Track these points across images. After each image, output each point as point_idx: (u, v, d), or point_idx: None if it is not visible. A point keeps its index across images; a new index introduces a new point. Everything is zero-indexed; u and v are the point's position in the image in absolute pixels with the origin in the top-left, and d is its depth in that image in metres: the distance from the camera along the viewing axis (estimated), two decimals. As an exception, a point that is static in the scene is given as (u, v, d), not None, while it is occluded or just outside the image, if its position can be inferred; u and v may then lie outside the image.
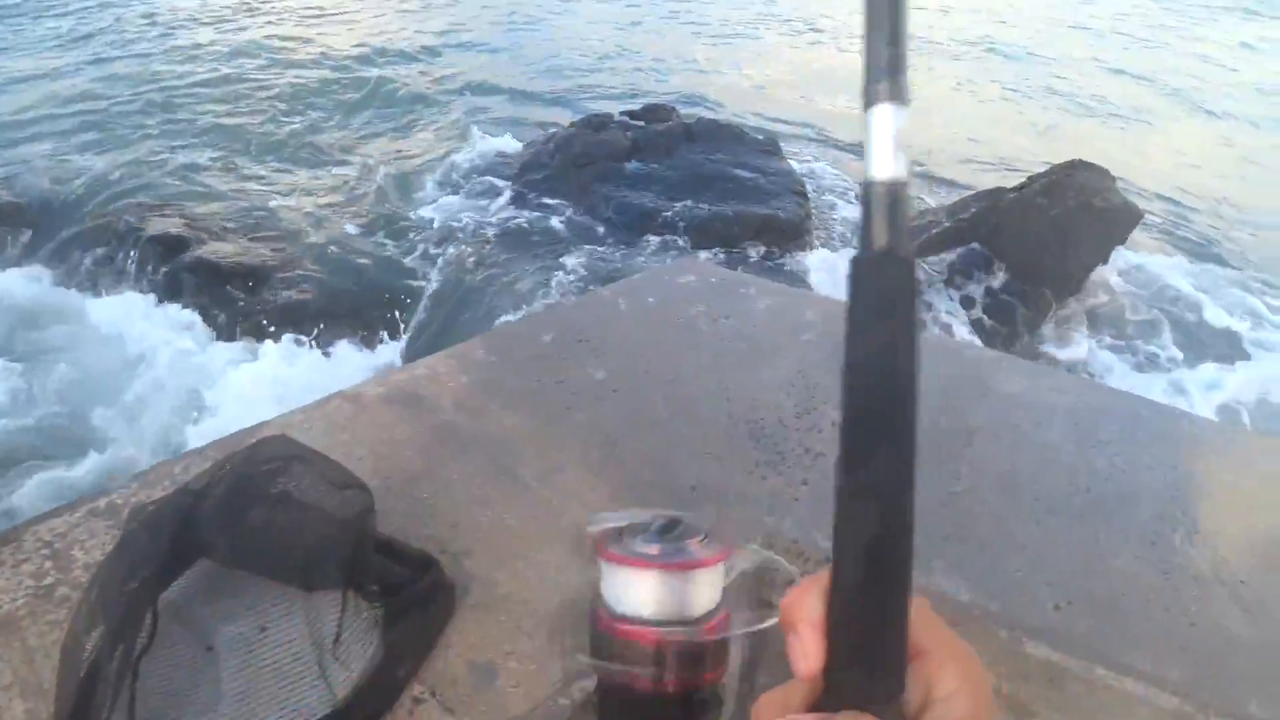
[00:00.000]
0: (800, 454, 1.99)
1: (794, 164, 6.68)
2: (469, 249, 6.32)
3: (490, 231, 6.60)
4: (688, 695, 0.69)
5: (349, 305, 5.61)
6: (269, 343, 5.22)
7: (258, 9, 15.54)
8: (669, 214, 5.86)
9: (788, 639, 0.51)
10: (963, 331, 5.50)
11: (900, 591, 0.47)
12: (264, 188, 8.13)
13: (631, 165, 6.46)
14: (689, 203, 5.93)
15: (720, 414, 2.06)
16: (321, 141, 9.42)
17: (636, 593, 0.70)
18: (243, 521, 1.49)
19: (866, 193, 0.45)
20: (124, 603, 1.27)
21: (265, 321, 5.28)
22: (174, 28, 14.46)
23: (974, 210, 6.21)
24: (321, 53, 12.90)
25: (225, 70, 12.10)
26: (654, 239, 5.78)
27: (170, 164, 8.69)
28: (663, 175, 6.32)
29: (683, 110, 7.89)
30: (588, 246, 5.90)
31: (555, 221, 6.21)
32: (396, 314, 5.60)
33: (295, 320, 5.33)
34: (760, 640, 0.74)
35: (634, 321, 2.38)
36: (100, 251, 6.00)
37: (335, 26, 14.42)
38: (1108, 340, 6.19)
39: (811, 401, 2.14)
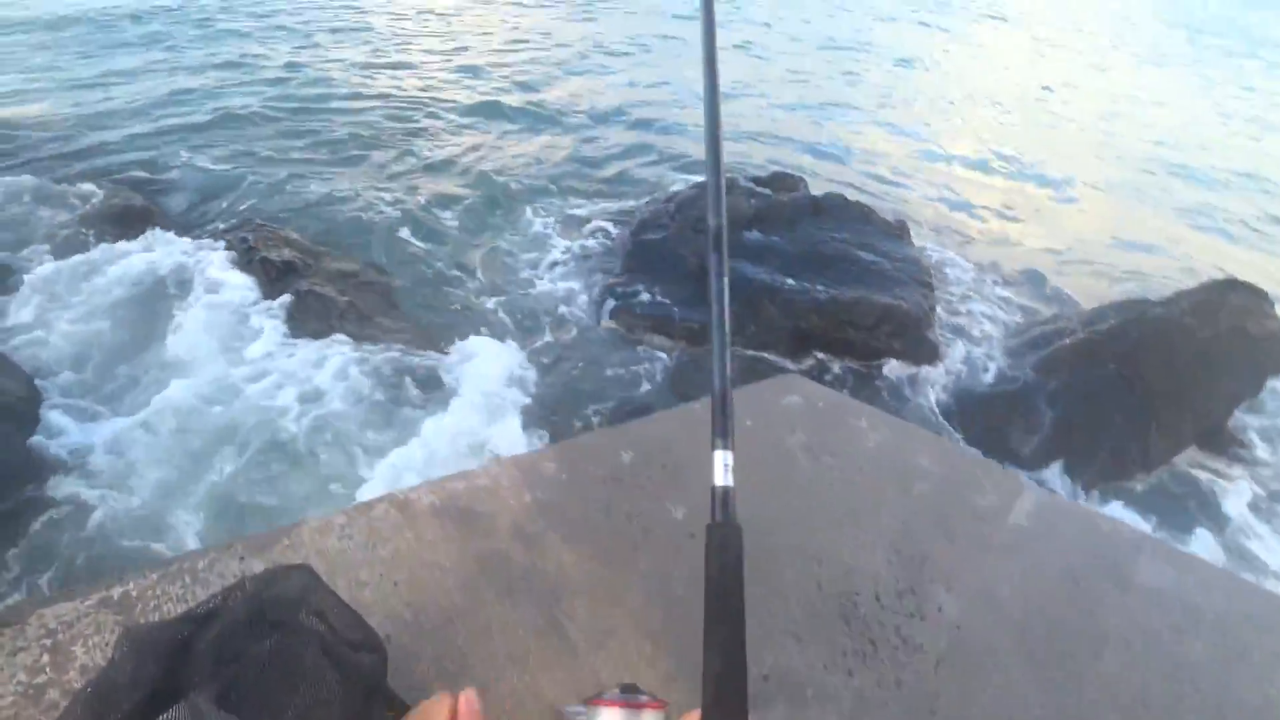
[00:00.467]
0: (896, 645, 1.68)
1: (921, 251, 6.33)
2: (574, 321, 6.21)
3: (595, 295, 6.46)
4: None
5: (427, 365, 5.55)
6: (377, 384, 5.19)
7: (409, 64, 16.11)
8: (785, 292, 5.56)
9: None
10: (1088, 471, 4.97)
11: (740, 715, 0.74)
12: (384, 231, 8.29)
13: (752, 235, 6.21)
14: (807, 282, 5.63)
15: (808, 581, 1.77)
16: (445, 186, 9.59)
17: None
18: (237, 668, 1.30)
19: (713, 491, 0.86)
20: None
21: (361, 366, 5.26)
22: (322, 70, 15.11)
23: (1112, 323, 5.66)
24: (454, 101, 13.19)
25: (360, 109, 12.51)
26: (766, 321, 5.50)
27: (297, 189, 8.97)
28: (783, 249, 6.04)
29: (811, 182, 7.67)
30: (692, 321, 5.67)
31: (660, 295, 6.00)
32: (499, 388, 5.47)
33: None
34: None
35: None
36: (216, 269, 6.13)
37: (477, 79, 14.79)
38: (1257, 491, 5.47)
39: (917, 577, 1.83)
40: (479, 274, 7.29)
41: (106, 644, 1.63)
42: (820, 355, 5.37)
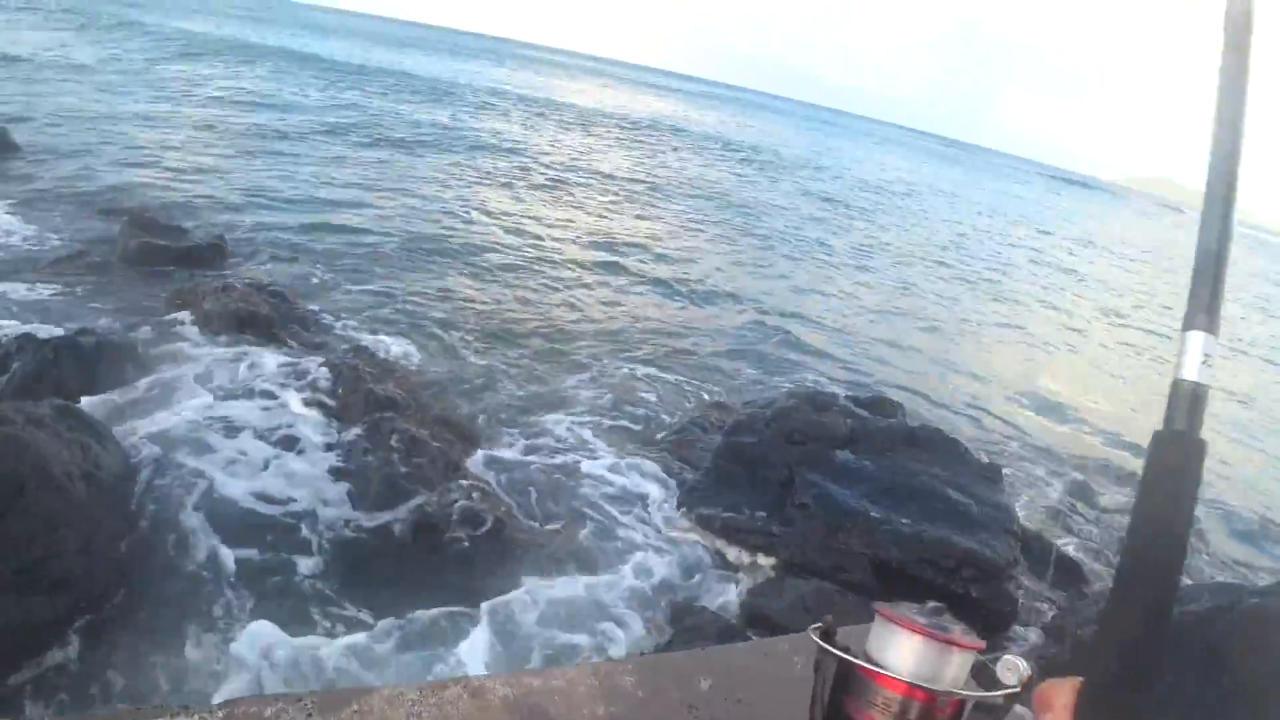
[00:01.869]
0: None
1: (1012, 500, 6.16)
2: (651, 515, 6.23)
3: (676, 491, 6.45)
4: None
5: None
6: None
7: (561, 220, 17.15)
8: (868, 520, 5.44)
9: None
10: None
11: (1148, 692, 0.60)
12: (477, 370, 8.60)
13: (843, 456, 6.16)
14: (892, 513, 5.51)
15: None
16: (555, 347, 9.96)
17: (900, 649, 0.80)
18: None
19: (1174, 388, 0.67)
20: None
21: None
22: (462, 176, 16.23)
23: (1208, 605, 5.27)
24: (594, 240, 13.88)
25: (478, 231, 13.29)
26: (844, 546, 5.36)
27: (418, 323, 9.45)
28: (872, 475, 5.96)
29: (909, 406, 7.67)
30: (771, 534, 5.60)
31: (743, 503, 5.94)
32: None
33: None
34: None
35: (805, 690, 2.03)
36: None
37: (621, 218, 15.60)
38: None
39: None
40: (559, 444, 7.39)
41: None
42: (895, 591, 5.17)
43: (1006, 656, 0.79)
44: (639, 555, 5.86)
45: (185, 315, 7.85)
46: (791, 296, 14.71)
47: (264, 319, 7.79)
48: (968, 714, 0.80)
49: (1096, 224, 54.81)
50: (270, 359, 7.39)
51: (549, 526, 5.95)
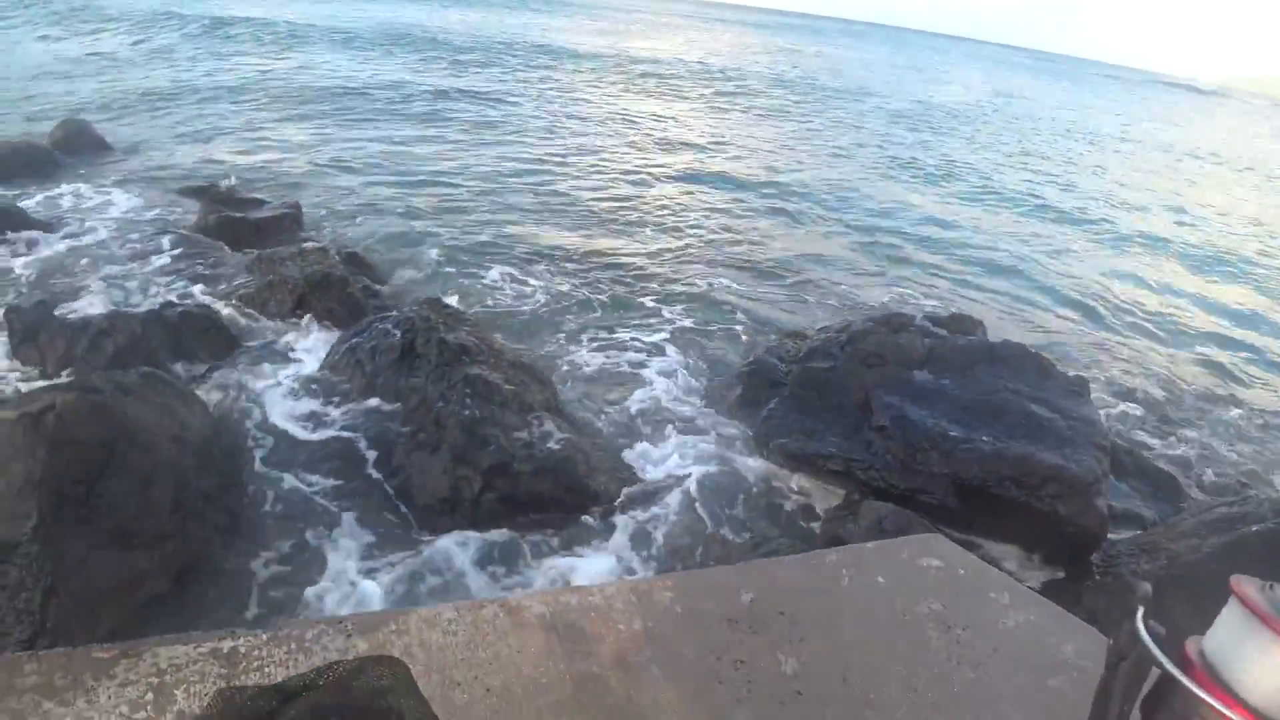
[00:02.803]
0: None
1: (1101, 413, 5.87)
2: (720, 440, 6.21)
3: (748, 415, 6.42)
4: None
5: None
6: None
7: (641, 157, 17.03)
8: (948, 439, 5.28)
9: None
10: None
11: None
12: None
13: (920, 375, 5.97)
14: (973, 431, 5.32)
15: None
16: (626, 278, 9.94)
17: (1267, 668, 0.52)
18: None
19: None
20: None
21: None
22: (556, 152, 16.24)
23: None
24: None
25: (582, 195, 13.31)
26: (924, 466, 5.22)
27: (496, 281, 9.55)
28: (951, 393, 5.77)
29: (992, 323, 7.38)
30: (845, 460, 5.51)
31: (818, 428, 5.85)
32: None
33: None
34: None
35: (852, 604, 1.98)
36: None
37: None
38: None
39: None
40: (635, 380, 7.42)
41: (205, 694, 1.68)
42: (979, 512, 5.03)
43: None
44: (713, 488, 5.85)
45: (263, 281, 8.08)
46: (873, 216, 14.30)
47: (338, 280, 7.95)
48: None
49: (1189, 130, 51.37)
50: (341, 318, 7.59)
51: (622, 461, 5.97)
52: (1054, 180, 21.35)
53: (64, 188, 10.85)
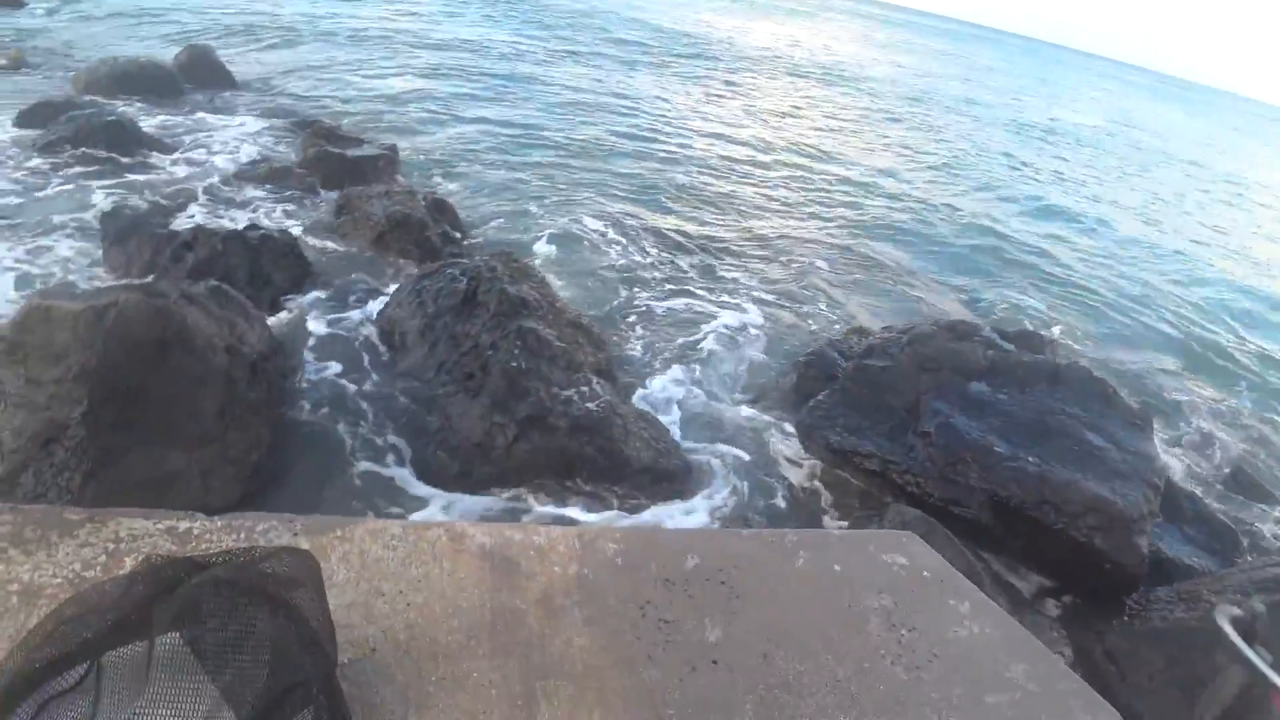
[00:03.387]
0: None
1: (1160, 451, 5.56)
2: (760, 424, 6.16)
3: (795, 403, 6.36)
4: None
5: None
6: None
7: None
8: (992, 454, 5.10)
9: None
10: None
11: None
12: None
13: (976, 387, 5.77)
14: (1020, 450, 5.12)
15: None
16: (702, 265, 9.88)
17: None
18: (204, 626, 1.40)
19: None
20: (59, 641, 1.28)
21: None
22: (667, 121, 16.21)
23: None
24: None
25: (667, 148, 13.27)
26: (962, 478, 5.05)
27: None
28: (1004, 408, 5.56)
29: (1066, 344, 7.05)
30: (882, 464, 5.40)
31: (863, 426, 5.73)
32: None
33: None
34: None
35: (798, 587, 1.94)
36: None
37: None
38: None
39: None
40: (690, 353, 7.40)
41: (154, 570, 1.75)
42: (1011, 532, 4.84)
43: None
44: (746, 472, 5.81)
45: (347, 216, 8.33)
46: (978, 232, 13.81)
47: (416, 222, 8.14)
48: None
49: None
50: (415, 259, 7.78)
51: (663, 432, 5.96)
52: (1187, 227, 20.15)
53: (181, 109, 11.39)
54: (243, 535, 1.84)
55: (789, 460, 6.08)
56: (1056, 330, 8.75)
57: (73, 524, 1.80)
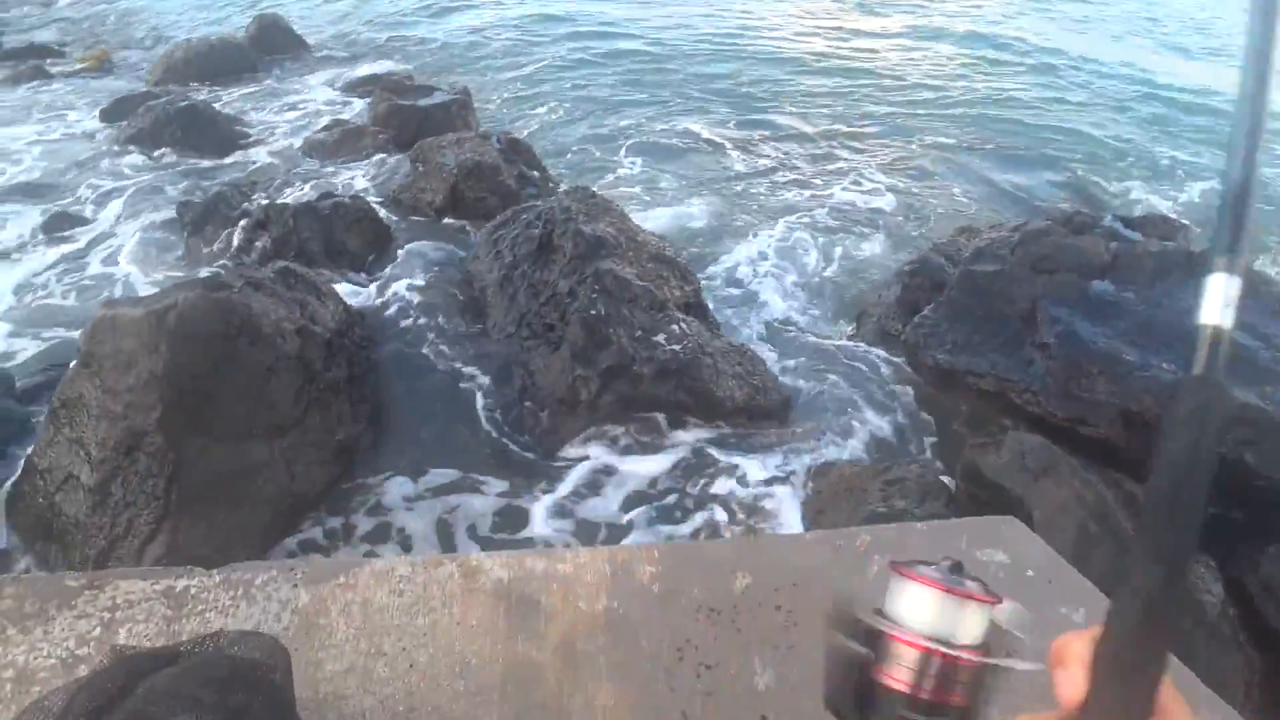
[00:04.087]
0: None
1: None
2: (888, 372, 5.72)
3: (898, 314, 5.90)
4: (935, 709, 0.71)
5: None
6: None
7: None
8: (1120, 362, 4.54)
9: (1055, 674, 0.64)
10: None
11: (1163, 651, 0.61)
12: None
13: (1099, 286, 5.16)
14: (1152, 356, 4.54)
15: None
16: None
17: (917, 606, 0.74)
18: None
19: (1197, 332, 0.65)
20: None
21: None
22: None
23: None
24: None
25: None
26: (1088, 391, 4.53)
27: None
28: (1134, 309, 4.94)
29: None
30: (997, 378, 4.91)
31: (973, 337, 5.22)
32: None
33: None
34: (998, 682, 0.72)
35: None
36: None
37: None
38: None
39: None
40: (782, 278, 6.99)
41: (145, 635, 1.64)
42: (1144, 450, 4.32)
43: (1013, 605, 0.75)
44: (849, 401, 5.44)
45: (419, 170, 8.17)
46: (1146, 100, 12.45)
47: (489, 168, 7.89)
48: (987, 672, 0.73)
49: None
50: (493, 207, 7.56)
51: (758, 365, 5.61)
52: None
53: (254, 84, 11.46)
54: (240, 591, 1.68)
55: (896, 383, 5.67)
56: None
57: (71, 592, 1.68)
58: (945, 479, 4.48)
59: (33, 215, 7.43)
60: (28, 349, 5.85)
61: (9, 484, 4.34)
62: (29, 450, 4.43)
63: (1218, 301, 0.65)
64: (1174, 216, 5.96)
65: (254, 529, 4.23)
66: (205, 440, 4.11)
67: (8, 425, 4.82)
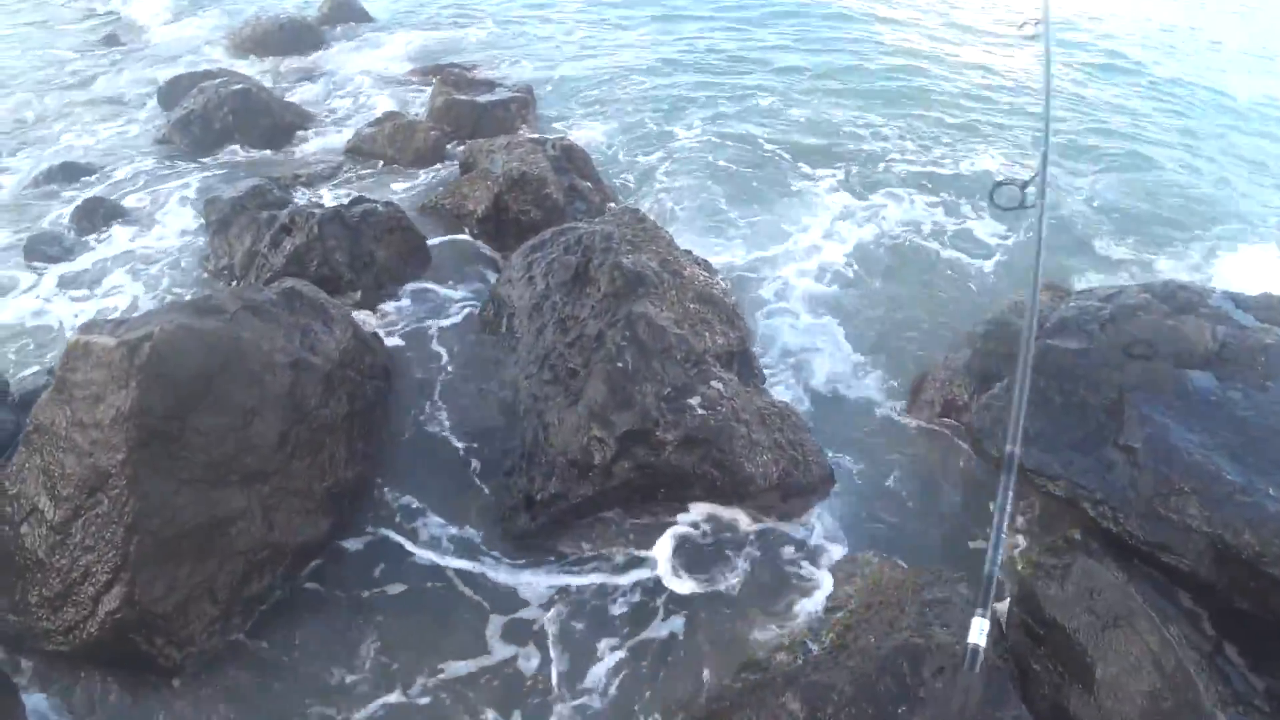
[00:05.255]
0: None
1: None
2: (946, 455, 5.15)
3: (971, 421, 5.24)
4: None
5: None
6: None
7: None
8: (1217, 482, 3.90)
9: None
10: None
11: None
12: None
13: (1201, 380, 4.49)
14: (1258, 477, 3.88)
15: None
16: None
17: None
18: None
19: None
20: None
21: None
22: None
23: None
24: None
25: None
26: (1172, 513, 3.89)
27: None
28: (1240, 412, 4.25)
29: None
30: (1080, 486, 4.26)
31: (1051, 441, 4.52)
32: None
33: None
34: None
35: None
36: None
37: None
38: None
39: None
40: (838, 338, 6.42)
41: None
42: (1240, 594, 3.68)
43: None
44: (900, 491, 4.90)
45: (463, 177, 7.83)
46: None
47: (535, 179, 7.47)
48: None
49: None
50: (537, 221, 7.14)
51: (799, 432, 5.06)
52: None
53: (316, 66, 11.31)
54: None
55: (955, 464, 5.11)
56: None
57: None
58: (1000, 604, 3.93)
59: (66, 199, 7.30)
60: (31, 354, 5.68)
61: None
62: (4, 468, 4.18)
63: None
64: (1296, 301, 5.19)
65: (223, 584, 3.91)
66: (173, 486, 3.78)
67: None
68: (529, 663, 3.98)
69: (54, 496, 3.81)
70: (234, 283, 6.16)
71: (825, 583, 4.29)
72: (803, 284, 6.95)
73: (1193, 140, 10.59)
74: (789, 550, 4.51)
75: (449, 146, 8.89)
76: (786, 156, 9.15)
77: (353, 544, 4.46)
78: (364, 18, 13.08)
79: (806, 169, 8.89)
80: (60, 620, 3.72)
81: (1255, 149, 10.58)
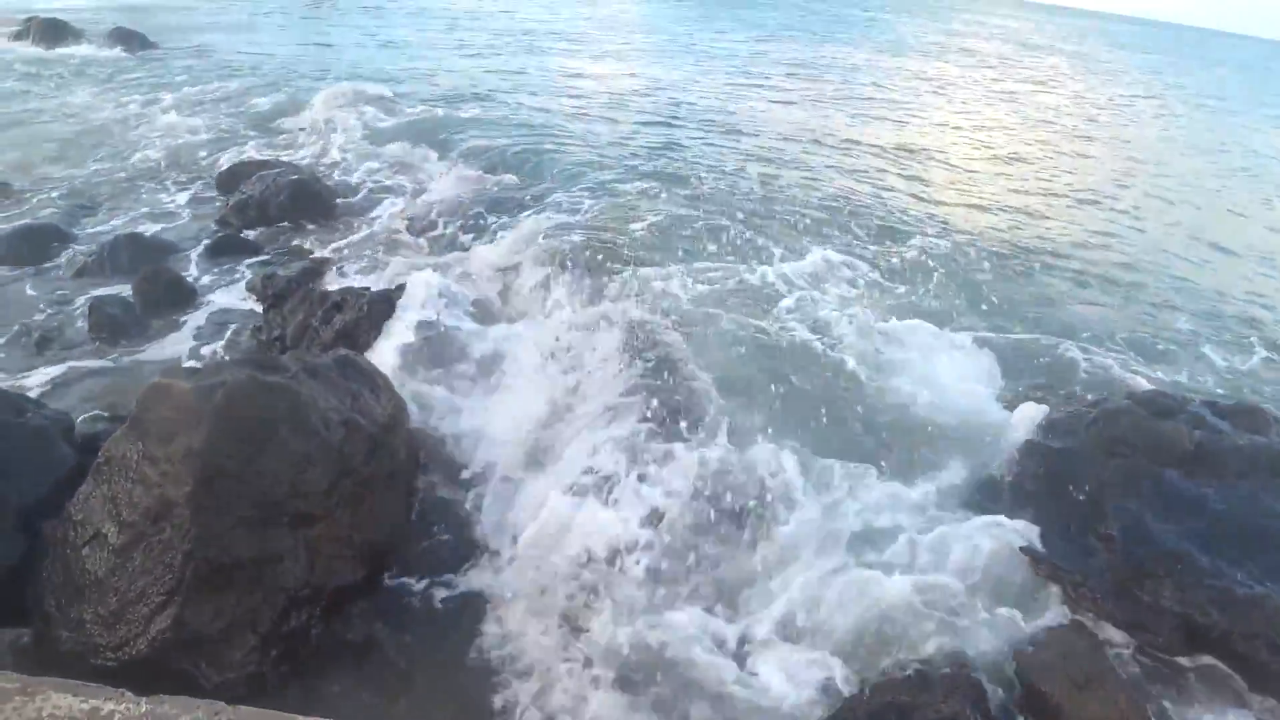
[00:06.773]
0: None
1: None
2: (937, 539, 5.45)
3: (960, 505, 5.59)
4: None
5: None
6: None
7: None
8: (1190, 570, 4.21)
9: None
10: None
11: None
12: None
13: (1174, 478, 4.87)
14: (1226, 564, 4.20)
15: None
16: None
17: None
18: None
19: None
20: None
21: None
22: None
23: None
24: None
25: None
26: (1149, 597, 4.18)
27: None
28: (1211, 507, 4.60)
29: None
30: (1060, 568, 4.58)
31: (1036, 528, 4.90)
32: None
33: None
34: None
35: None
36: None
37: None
38: None
39: None
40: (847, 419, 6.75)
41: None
42: (1206, 665, 3.97)
43: None
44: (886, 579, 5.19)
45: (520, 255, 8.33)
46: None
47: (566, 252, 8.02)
48: None
49: None
50: (567, 301, 7.60)
51: (800, 526, 5.38)
52: None
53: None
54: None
55: (945, 555, 5.40)
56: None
57: (6, 693, 1.69)
58: (977, 673, 4.18)
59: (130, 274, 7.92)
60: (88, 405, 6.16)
61: (46, 528, 4.48)
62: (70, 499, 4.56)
63: None
64: (1268, 408, 5.58)
65: (265, 616, 4.24)
66: (230, 521, 4.17)
67: (61, 469, 4.98)
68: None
69: (119, 522, 4.18)
70: (285, 353, 6.67)
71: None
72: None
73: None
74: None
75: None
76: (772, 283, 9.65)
77: (383, 593, 4.78)
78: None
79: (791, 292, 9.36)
80: (113, 636, 4.04)
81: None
